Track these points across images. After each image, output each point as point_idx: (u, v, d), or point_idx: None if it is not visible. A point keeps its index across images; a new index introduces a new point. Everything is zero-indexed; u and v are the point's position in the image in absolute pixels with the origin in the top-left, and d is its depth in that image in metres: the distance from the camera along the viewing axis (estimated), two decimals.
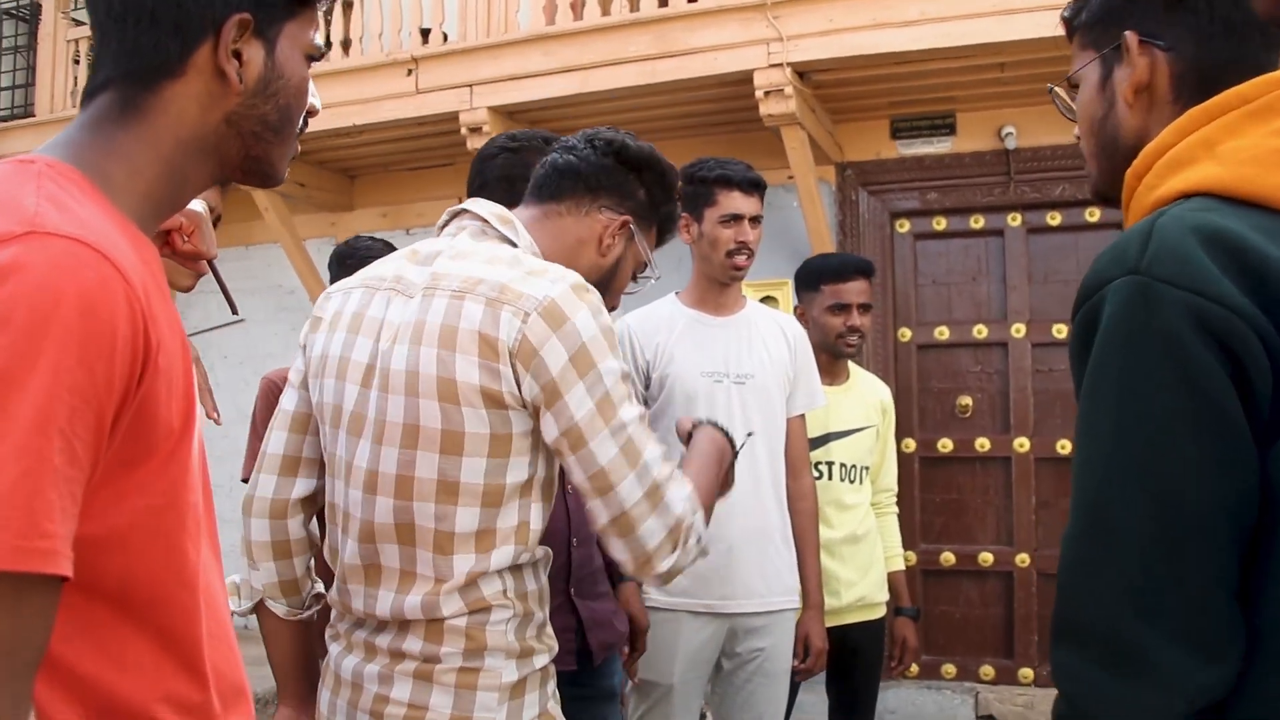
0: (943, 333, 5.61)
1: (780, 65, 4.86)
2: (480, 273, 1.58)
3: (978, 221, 5.57)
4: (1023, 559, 5.38)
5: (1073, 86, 1.40)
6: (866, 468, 3.35)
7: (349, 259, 2.94)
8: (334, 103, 5.87)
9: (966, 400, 5.54)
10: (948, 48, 4.70)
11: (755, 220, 2.88)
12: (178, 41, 1.04)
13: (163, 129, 1.05)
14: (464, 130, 5.42)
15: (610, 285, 1.84)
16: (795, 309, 3.46)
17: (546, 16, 5.64)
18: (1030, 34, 4.54)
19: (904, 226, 5.71)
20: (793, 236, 5.64)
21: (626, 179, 1.82)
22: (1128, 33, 1.27)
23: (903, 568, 3.50)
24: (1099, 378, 1.08)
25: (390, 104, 5.72)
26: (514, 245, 1.69)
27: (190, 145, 1.07)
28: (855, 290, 3.30)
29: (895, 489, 3.53)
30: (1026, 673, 5.33)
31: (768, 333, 2.96)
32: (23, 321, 0.83)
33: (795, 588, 2.93)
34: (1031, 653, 5.33)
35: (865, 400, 3.39)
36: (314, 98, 1.19)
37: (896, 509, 3.54)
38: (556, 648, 1.69)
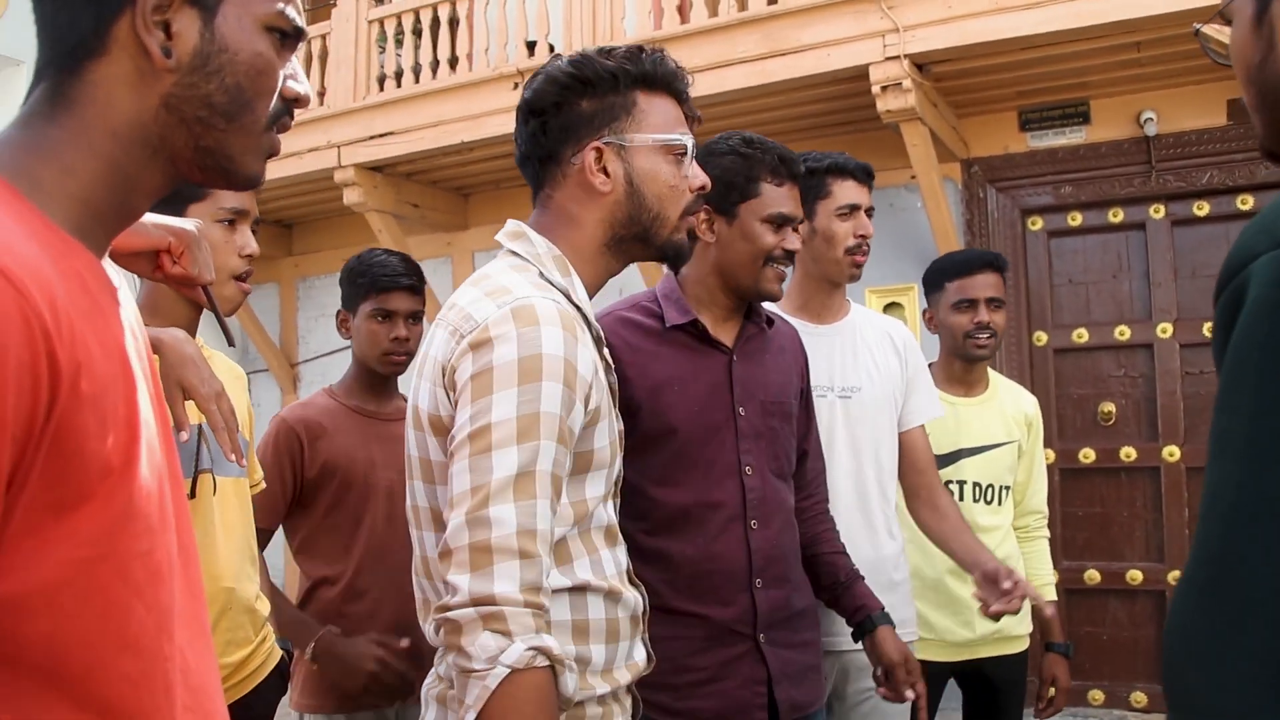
0: (1081, 335, 5.26)
1: (897, 58, 4.61)
2: (457, 296, 1.56)
3: (1117, 215, 5.21)
4: (1175, 576, 4.99)
5: (1226, 23, 1.17)
6: (1007, 487, 3.07)
7: (360, 276, 2.75)
8: (443, 120, 5.83)
9: (1109, 407, 5.18)
10: (1077, 28, 4.38)
11: (870, 212, 2.65)
12: (92, 13, 0.90)
13: (92, 119, 0.91)
14: None
15: (653, 210, 1.64)
16: (924, 313, 3.20)
17: (654, 21, 5.48)
18: (1167, 8, 4.20)
19: (1036, 224, 5.38)
20: (917, 239, 5.36)
21: (559, 115, 1.61)
22: None
23: (1054, 598, 3.19)
24: (1233, 382, 0.90)
25: (498, 119, 5.62)
26: (522, 259, 1.60)
27: (127, 137, 0.92)
28: (983, 284, 3.02)
29: (1045, 511, 3.21)
30: None
31: (874, 341, 2.71)
32: None
33: (913, 619, 2.68)
34: None
35: (1005, 412, 3.10)
36: (296, 82, 1.02)
37: (1048, 533, 3.23)
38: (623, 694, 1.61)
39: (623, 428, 1.65)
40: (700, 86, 5.31)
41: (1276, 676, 0.81)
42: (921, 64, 4.73)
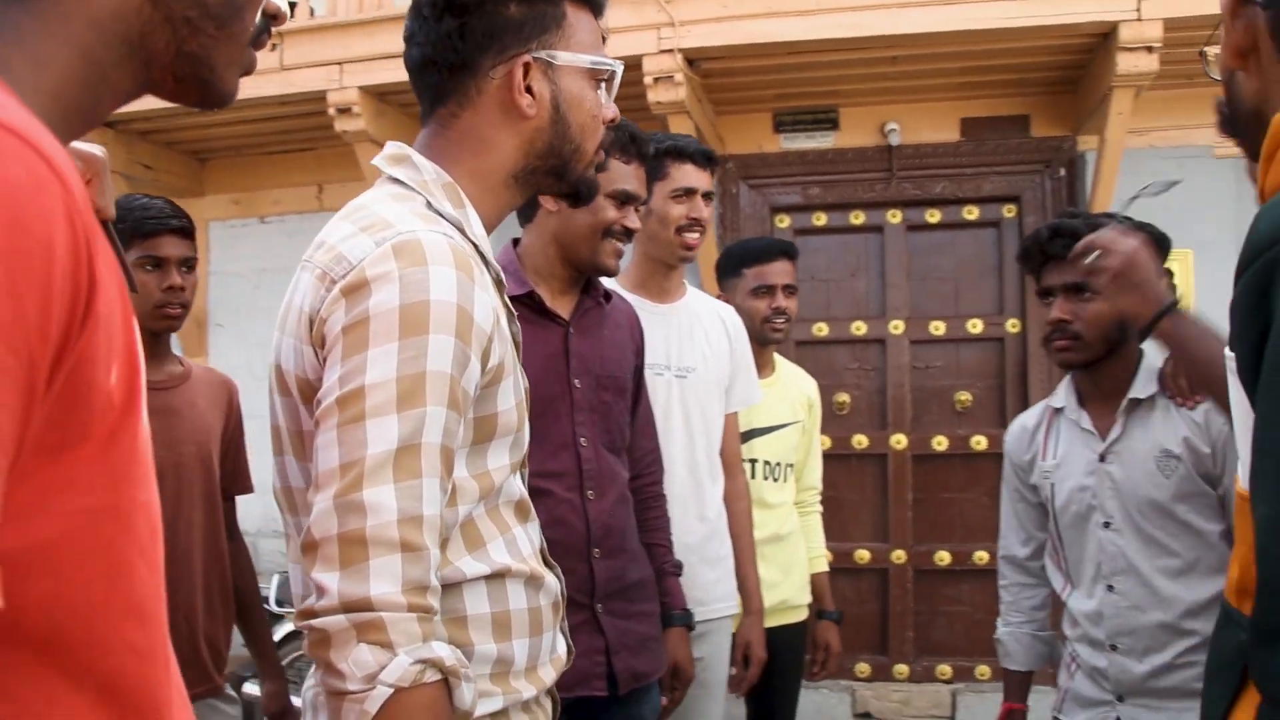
0: (821, 329, 5.57)
1: (671, 51, 4.71)
2: (327, 232, 1.33)
3: (858, 218, 5.56)
4: (899, 556, 5.38)
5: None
6: (791, 465, 3.24)
7: (120, 222, 2.41)
8: None
9: (844, 397, 5.52)
10: (842, 39, 4.64)
11: (708, 196, 2.72)
12: None
13: (71, 6, 0.79)
14: (332, 111, 5.06)
15: (575, 140, 1.44)
16: (721, 298, 3.31)
17: None
18: (925, 28, 4.52)
19: (784, 221, 5.65)
20: None
21: (483, 17, 1.38)
22: None
23: (826, 569, 3.40)
24: None
25: (251, 81, 5.30)
26: (405, 186, 1.38)
27: (107, 29, 0.81)
28: (780, 271, 3.18)
29: (819, 487, 3.42)
30: (902, 669, 5.33)
31: (709, 323, 2.81)
32: None
33: (734, 593, 2.79)
34: (907, 649, 5.34)
35: (790, 395, 3.27)
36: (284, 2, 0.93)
37: (820, 508, 3.43)
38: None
39: (528, 385, 1.48)
40: None
41: None
42: (693, 59, 4.87)
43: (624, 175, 2.27)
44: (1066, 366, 2.46)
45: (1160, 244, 2.38)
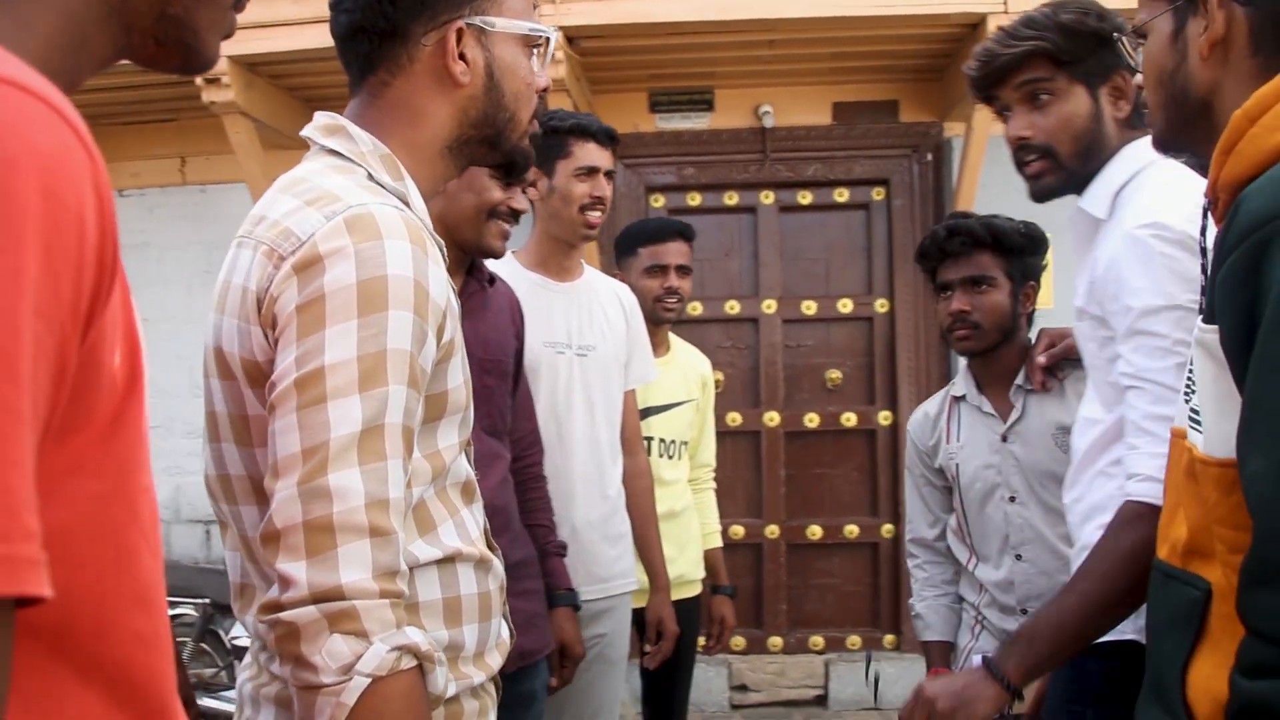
0: (695, 308, 5.62)
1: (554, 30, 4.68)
2: (266, 206, 1.28)
3: (732, 198, 5.63)
4: (772, 531, 5.50)
5: (1139, 37, 1.38)
6: (685, 443, 3.28)
7: None
8: None
9: (718, 375, 5.59)
10: (719, 21, 4.67)
11: (610, 175, 2.73)
12: None
13: None
14: (199, 81, 4.86)
15: (509, 110, 1.39)
16: (614, 277, 3.32)
17: None
18: (801, 13, 4.60)
19: (659, 201, 5.68)
20: None
21: None
22: None
23: (720, 545, 3.46)
24: None
25: None
26: (344, 158, 1.33)
27: None
28: (674, 251, 3.22)
29: (713, 464, 3.48)
30: (776, 641, 5.46)
31: (607, 302, 2.83)
32: None
33: (633, 569, 2.82)
34: (780, 622, 5.47)
35: (685, 373, 3.32)
36: None
37: (714, 485, 3.49)
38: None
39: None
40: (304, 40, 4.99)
41: None
42: (572, 38, 4.84)
43: None
44: (967, 354, 2.63)
45: (1038, 242, 2.56)
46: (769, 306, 5.59)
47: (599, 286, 2.83)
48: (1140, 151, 1.83)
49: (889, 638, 5.41)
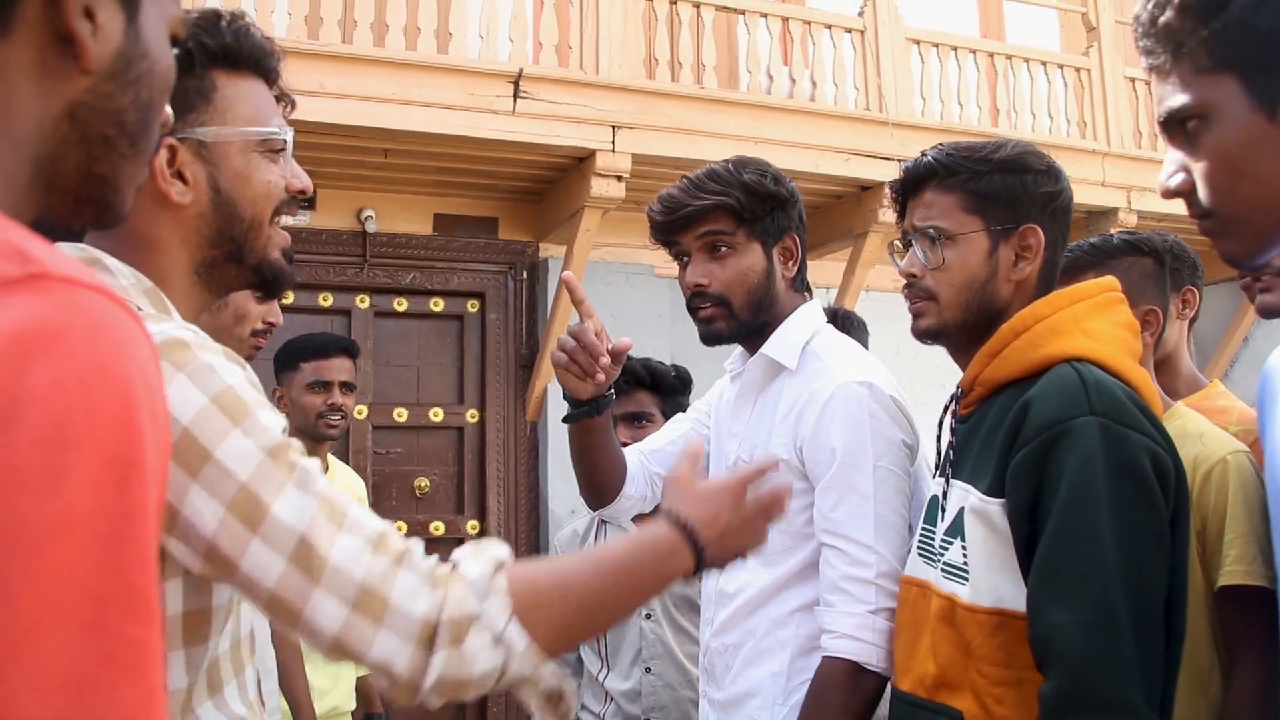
0: (360, 412, 5.42)
1: None
2: None
3: (327, 299, 5.51)
4: None
5: (935, 237, 1.57)
6: None
7: None
8: None
9: None
10: (338, 124, 4.63)
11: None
12: None
13: None
14: None
15: (246, 218, 1.25)
16: (274, 392, 3.15)
17: None
18: (424, 128, 4.68)
19: None
20: None
21: None
22: (1035, 226, 1.53)
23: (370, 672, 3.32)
24: (1088, 497, 1.34)
25: None
26: None
27: (26, 151, 0.71)
28: (338, 368, 3.13)
29: None
30: None
31: None
32: (93, 440, 0.54)
33: (280, 705, 2.65)
34: None
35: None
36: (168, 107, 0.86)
37: None
38: None
39: None
40: None
41: (1136, 672, 1.29)
42: None
43: None
44: None
45: (688, 384, 2.83)
46: (360, 412, 5.48)
47: None
48: (814, 312, 2.02)
49: None
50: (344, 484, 3.26)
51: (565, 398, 2.00)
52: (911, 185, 1.64)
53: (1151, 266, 2.08)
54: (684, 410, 2.80)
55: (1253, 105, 1.00)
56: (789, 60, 5.48)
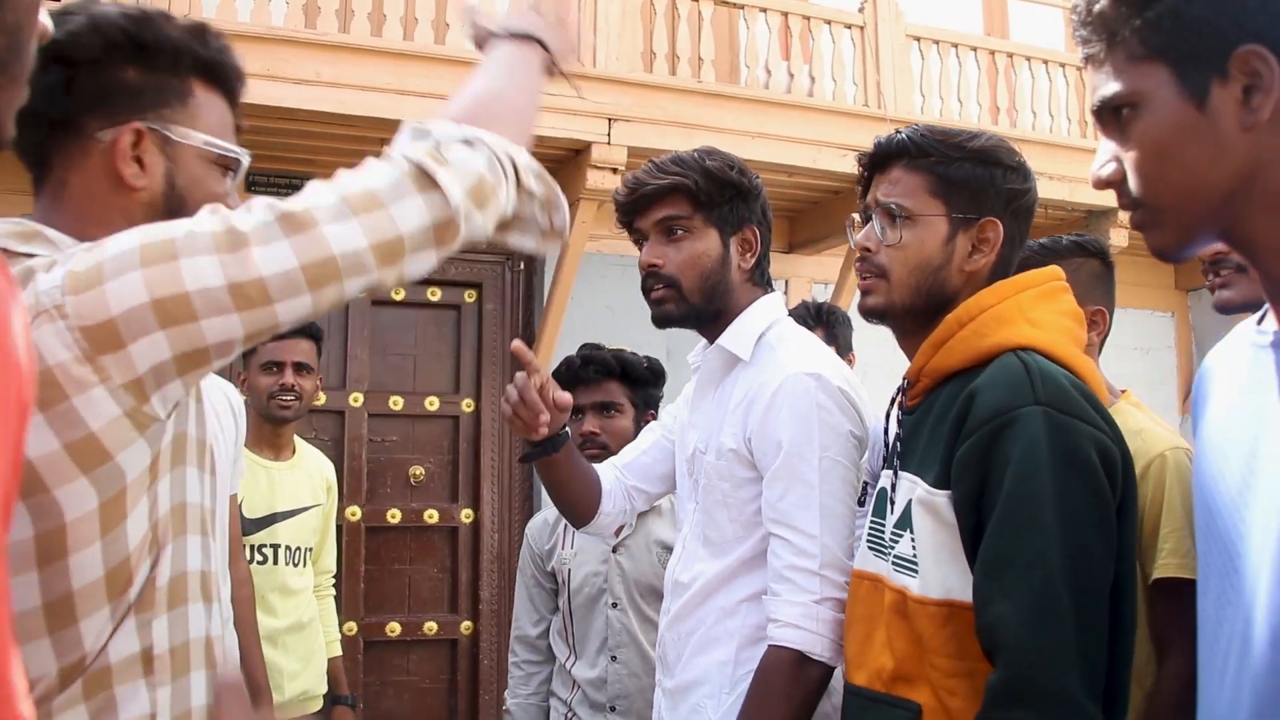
0: (320, 399, 5.44)
1: None
2: None
3: None
4: (350, 628, 5.34)
5: (894, 214, 1.59)
6: (310, 549, 3.18)
7: None
8: None
9: None
10: (339, 114, 4.67)
11: None
12: None
13: None
14: None
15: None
16: (238, 375, 3.19)
17: None
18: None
19: None
20: None
21: (96, 75, 1.24)
22: (996, 220, 1.55)
23: (340, 653, 3.37)
24: (1032, 488, 1.34)
25: None
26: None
27: None
28: (291, 349, 3.15)
29: (334, 570, 3.39)
30: None
31: (218, 403, 2.70)
32: None
33: None
34: None
35: (312, 477, 3.24)
36: (46, 18, 0.87)
37: (334, 591, 3.40)
38: None
39: None
40: None
41: (1078, 663, 1.29)
42: None
43: None
44: None
45: (659, 375, 2.86)
46: (355, 399, 5.53)
47: (209, 387, 2.70)
48: (773, 305, 2.02)
49: None
50: (312, 467, 3.28)
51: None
52: (880, 160, 1.64)
53: (1099, 268, 2.10)
54: (655, 402, 2.82)
55: (1182, 94, 1.01)
56: (788, 55, 5.49)
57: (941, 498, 1.45)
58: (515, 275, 5.71)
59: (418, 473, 5.58)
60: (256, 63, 4.53)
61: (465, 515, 5.59)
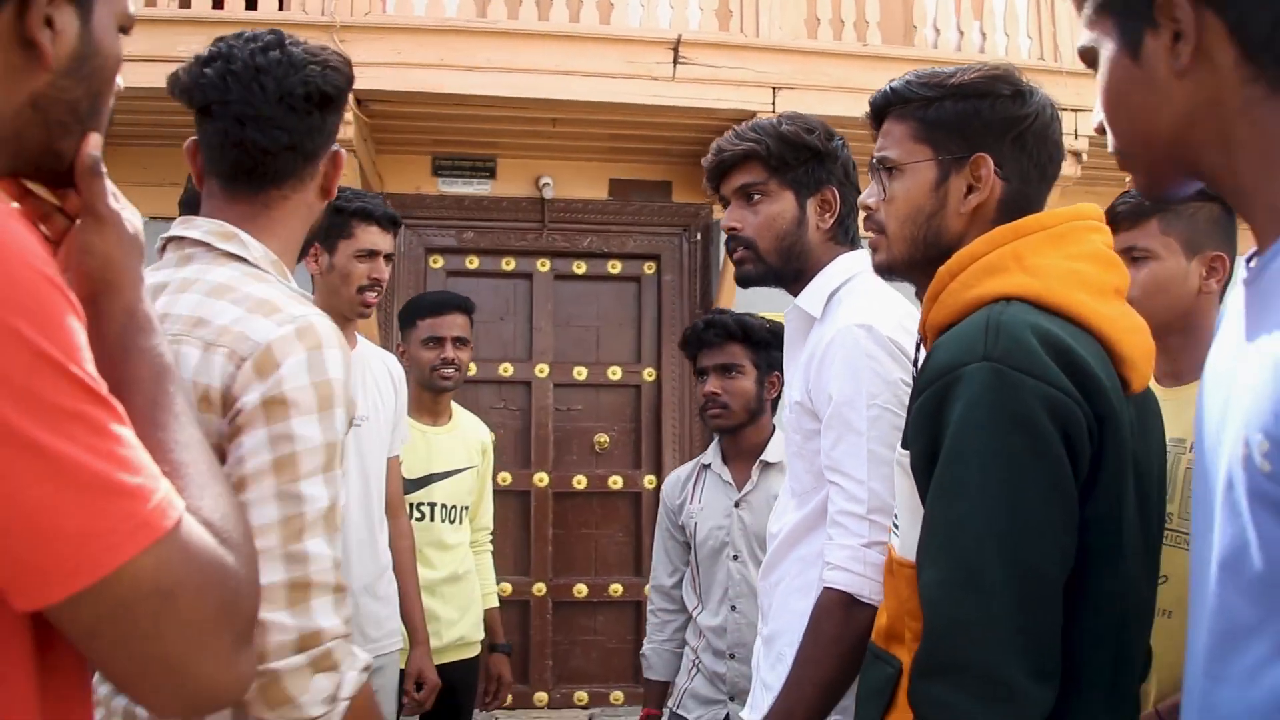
0: (470, 369, 5.73)
1: None
2: (197, 309, 1.38)
3: (509, 264, 5.81)
4: (539, 589, 5.65)
5: (886, 168, 1.56)
6: (466, 508, 3.40)
7: None
8: None
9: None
10: (505, 97, 4.89)
11: (389, 257, 2.84)
12: None
13: None
14: None
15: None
16: (397, 347, 3.44)
17: None
18: (581, 97, 4.88)
19: (438, 262, 5.80)
20: None
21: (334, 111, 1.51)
22: (985, 155, 1.48)
23: (497, 604, 3.60)
24: (965, 448, 1.28)
25: None
26: (245, 261, 1.44)
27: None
28: (450, 324, 3.36)
29: (491, 527, 3.61)
30: (541, 697, 5.60)
31: (379, 373, 2.93)
32: None
33: (400, 629, 2.92)
34: (546, 678, 5.62)
35: (467, 441, 3.45)
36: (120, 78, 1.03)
37: (492, 547, 3.62)
38: None
39: None
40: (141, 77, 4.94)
41: (1006, 638, 1.22)
42: (361, 100, 4.93)
43: None
44: (717, 431, 3.04)
45: (781, 338, 2.89)
46: (541, 370, 5.78)
47: (371, 358, 2.94)
48: (852, 263, 2.03)
49: None
50: (468, 432, 3.49)
51: None
52: (876, 117, 1.61)
53: (1217, 212, 1.98)
54: (778, 364, 2.88)
55: (1122, 45, 1.03)
56: (959, 12, 5.34)
57: (906, 458, 1.42)
58: (692, 246, 5.81)
59: (602, 440, 5.78)
60: (431, 53, 4.81)
61: (648, 481, 5.75)
